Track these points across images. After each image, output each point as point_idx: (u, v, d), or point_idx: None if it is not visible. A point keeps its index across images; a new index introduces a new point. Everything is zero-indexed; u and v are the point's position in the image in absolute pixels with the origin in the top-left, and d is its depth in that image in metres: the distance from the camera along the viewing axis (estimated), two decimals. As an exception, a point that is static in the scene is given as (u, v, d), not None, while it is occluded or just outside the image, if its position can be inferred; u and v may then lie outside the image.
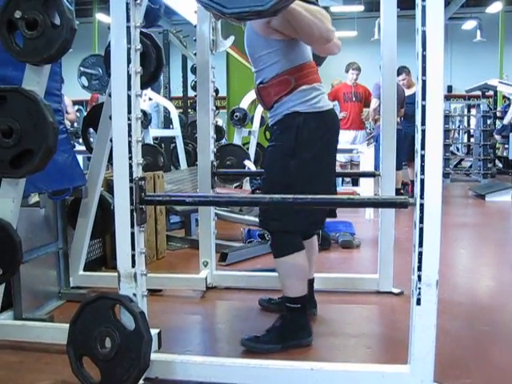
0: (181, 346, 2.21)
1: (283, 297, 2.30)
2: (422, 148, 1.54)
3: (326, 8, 2.07)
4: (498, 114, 10.89)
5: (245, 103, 5.90)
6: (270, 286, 2.81)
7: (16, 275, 2.24)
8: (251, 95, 5.78)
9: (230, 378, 1.79)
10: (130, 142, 1.71)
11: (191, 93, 7.77)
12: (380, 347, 2.26)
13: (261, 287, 2.88)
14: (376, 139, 5.79)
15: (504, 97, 12.27)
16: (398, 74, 6.20)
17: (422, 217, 1.57)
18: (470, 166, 10.27)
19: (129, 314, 1.71)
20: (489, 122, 9.60)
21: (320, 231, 3.75)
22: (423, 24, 1.51)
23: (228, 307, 2.86)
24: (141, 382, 1.74)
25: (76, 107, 8.94)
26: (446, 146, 9.37)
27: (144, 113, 5.46)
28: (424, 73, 1.52)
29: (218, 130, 6.23)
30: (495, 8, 14.75)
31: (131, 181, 1.72)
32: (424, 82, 1.52)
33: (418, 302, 1.60)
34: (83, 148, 3.50)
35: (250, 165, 4.94)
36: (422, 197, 1.56)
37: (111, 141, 1.95)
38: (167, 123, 7.38)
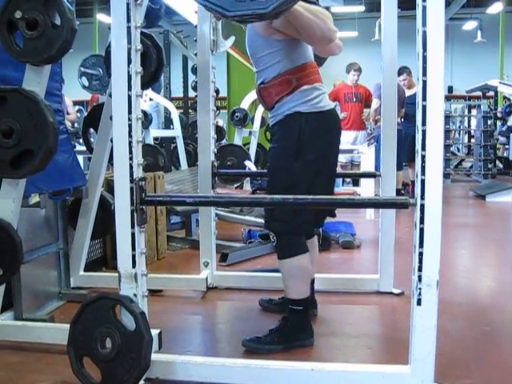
0: (181, 347, 2.21)
1: (285, 298, 2.30)
2: (423, 148, 1.54)
3: (327, 8, 2.07)
4: (499, 115, 10.90)
5: (245, 103, 5.90)
6: (271, 286, 2.81)
7: (16, 275, 2.24)
8: (252, 95, 5.78)
9: (231, 378, 1.79)
10: (130, 143, 1.71)
11: (192, 93, 7.77)
12: (380, 347, 2.26)
13: (261, 288, 2.88)
14: (376, 140, 5.79)
15: (504, 97, 12.26)
16: (399, 74, 6.20)
17: (422, 217, 1.57)
18: (471, 167, 10.27)
19: (129, 314, 1.71)
20: (489, 122, 9.60)
21: (321, 232, 3.76)
22: (424, 24, 1.51)
23: (228, 307, 2.86)
24: (141, 382, 1.74)
25: (76, 107, 8.93)
26: (447, 147, 9.37)
27: (144, 113, 5.46)
28: (424, 73, 1.52)
29: (219, 131, 6.22)
30: (496, 8, 14.77)
31: (132, 181, 1.72)
32: (424, 82, 1.52)
33: (419, 303, 1.60)
34: (84, 148, 3.50)
35: (250, 165, 4.94)
36: (422, 197, 1.56)
37: (112, 141, 1.95)
38: (168, 123, 7.38)
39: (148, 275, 1.80)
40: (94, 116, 2.91)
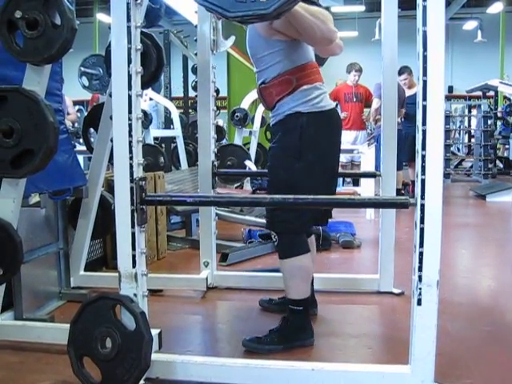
0: (181, 346, 2.21)
1: (284, 297, 2.30)
2: (423, 148, 1.54)
3: (327, 8, 2.07)
4: (499, 115, 10.90)
5: (245, 103, 5.91)
6: (271, 286, 2.81)
7: (17, 275, 2.24)
8: (252, 95, 5.79)
9: (231, 378, 1.79)
10: (130, 142, 1.71)
11: (192, 93, 7.77)
12: (381, 347, 2.26)
13: (261, 287, 2.88)
14: (377, 139, 5.79)
15: (505, 97, 12.27)
16: (400, 73, 6.21)
17: (422, 217, 1.56)
18: (471, 167, 10.27)
19: (129, 314, 1.71)
20: (489, 122, 9.59)
21: (321, 232, 3.77)
22: (424, 24, 1.51)
23: (229, 307, 2.86)
24: (141, 382, 1.74)
25: (77, 107, 8.94)
26: (447, 147, 9.37)
27: (145, 113, 5.46)
28: (425, 73, 1.52)
29: (219, 131, 6.23)
30: (496, 8, 14.78)
31: (132, 181, 1.72)
32: (425, 82, 1.52)
33: (419, 303, 1.60)
34: (84, 148, 3.51)
35: (250, 165, 4.94)
36: (422, 197, 1.56)
37: (112, 141, 1.95)
38: (168, 123, 7.38)
39: (148, 275, 1.80)
40: (94, 116, 2.91)
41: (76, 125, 7.73)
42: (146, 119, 5.75)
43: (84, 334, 1.74)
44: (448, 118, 9.01)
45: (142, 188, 1.74)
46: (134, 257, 1.74)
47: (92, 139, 3.20)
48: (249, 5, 1.41)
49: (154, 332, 1.81)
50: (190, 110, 8.10)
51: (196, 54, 3.07)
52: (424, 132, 1.54)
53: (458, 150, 12.49)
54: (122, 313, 1.73)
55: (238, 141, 5.71)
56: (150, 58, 2.67)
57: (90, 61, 5.48)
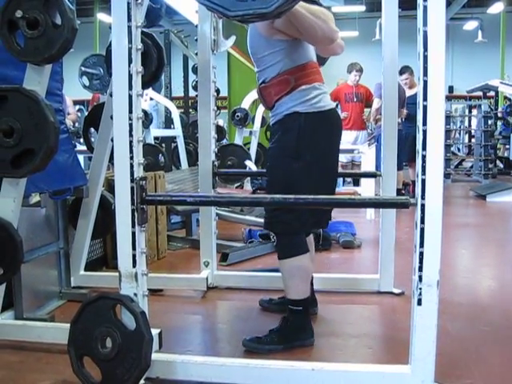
0: (182, 346, 2.21)
1: (284, 297, 2.30)
2: (424, 148, 1.54)
3: (328, 8, 2.07)
4: (499, 115, 10.90)
5: (246, 103, 5.90)
6: (271, 286, 2.81)
7: (17, 275, 2.24)
8: (252, 95, 5.78)
9: (231, 378, 1.79)
10: (131, 142, 1.71)
11: (192, 93, 7.78)
12: (381, 347, 2.26)
13: (262, 287, 2.88)
14: (377, 139, 5.79)
15: (505, 97, 12.26)
16: (402, 73, 6.21)
17: (423, 217, 1.56)
18: (471, 167, 10.26)
19: (130, 313, 1.71)
20: (490, 122, 9.59)
21: (321, 231, 3.77)
22: (425, 24, 1.50)
23: (229, 307, 2.86)
24: (142, 381, 1.74)
25: (77, 107, 8.94)
26: (447, 147, 9.37)
27: (145, 113, 5.47)
28: (425, 73, 1.52)
29: (219, 130, 6.23)
30: (496, 8, 14.79)
31: (132, 181, 1.72)
32: (425, 82, 1.52)
33: (419, 303, 1.60)
34: (84, 148, 3.50)
35: (250, 165, 4.94)
36: (423, 197, 1.56)
37: (112, 140, 1.95)
38: (168, 123, 7.38)
39: (148, 275, 1.80)
40: (95, 115, 2.91)
41: (76, 124, 7.74)
42: (147, 119, 5.76)
43: (84, 333, 1.74)
44: (448, 118, 9.01)
45: (143, 188, 1.74)
46: (134, 256, 1.74)
47: (92, 139, 3.20)
48: (249, 4, 1.41)
49: (155, 332, 1.81)
50: (191, 110, 8.11)
51: (196, 54, 3.06)
52: (424, 132, 1.54)
53: (459, 150, 12.50)
54: (123, 312, 1.73)
55: (238, 141, 5.71)
56: (151, 57, 2.67)
57: (91, 60, 5.48)
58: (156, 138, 6.55)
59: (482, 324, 2.41)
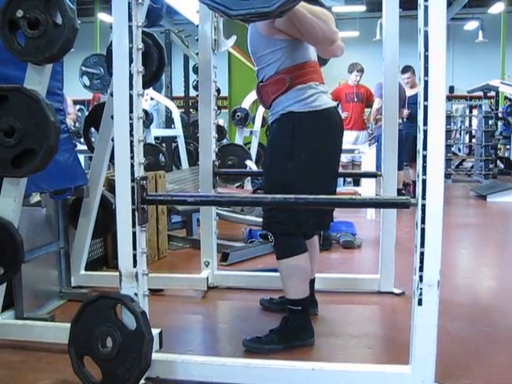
0: (182, 346, 2.21)
1: (284, 297, 2.30)
2: (424, 148, 1.54)
3: (329, 8, 2.06)
4: (500, 115, 10.90)
5: (246, 103, 5.90)
6: (271, 285, 2.81)
7: (17, 274, 2.24)
8: (253, 95, 5.78)
9: (231, 377, 1.79)
10: (131, 142, 1.71)
11: (193, 92, 7.78)
12: (381, 347, 2.26)
13: (262, 287, 2.88)
14: (377, 139, 5.79)
15: (506, 97, 12.25)
16: (404, 72, 6.21)
17: (423, 217, 1.56)
18: (472, 167, 10.26)
19: (130, 313, 1.71)
20: (490, 122, 9.59)
21: (321, 231, 3.76)
22: (425, 24, 1.50)
23: (229, 307, 2.86)
24: (142, 381, 1.74)
25: (78, 107, 8.94)
26: (448, 147, 9.36)
27: (146, 112, 5.47)
28: (426, 73, 1.52)
29: (220, 130, 6.24)
30: (497, 9, 14.79)
31: (133, 180, 1.72)
32: (426, 82, 1.52)
33: (420, 303, 1.59)
34: (85, 147, 3.50)
35: (251, 165, 4.94)
36: (423, 197, 1.56)
37: (113, 140, 1.95)
38: (169, 123, 7.39)
39: (149, 274, 1.80)
40: (95, 115, 2.91)
41: (77, 124, 7.74)
42: (147, 119, 5.76)
43: (85, 333, 1.74)
44: (449, 118, 9.00)
45: (143, 187, 1.74)
46: (134, 256, 1.74)
47: (93, 139, 3.20)
48: (251, 3, 1.40)
49: (155, 331, 1.81)
50: (191, 110, 8.11)
51: (197, 54, 3.07)
52: (425, 132, 1.54)
53: (459, 150, 12.49)
54: (123, 312, 1.73)
55: (238, 140, 5.71)
56: (152, 57, 2.68)
57: (91, 60, 5.48)
58: (156, 138, 6.55)
59: (483, 324, 2.41)
